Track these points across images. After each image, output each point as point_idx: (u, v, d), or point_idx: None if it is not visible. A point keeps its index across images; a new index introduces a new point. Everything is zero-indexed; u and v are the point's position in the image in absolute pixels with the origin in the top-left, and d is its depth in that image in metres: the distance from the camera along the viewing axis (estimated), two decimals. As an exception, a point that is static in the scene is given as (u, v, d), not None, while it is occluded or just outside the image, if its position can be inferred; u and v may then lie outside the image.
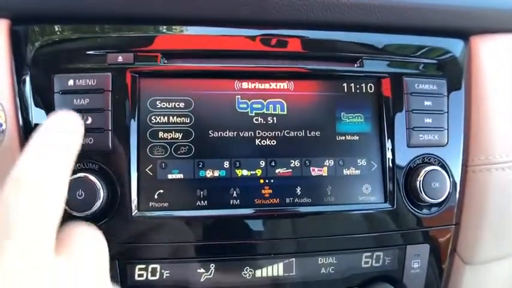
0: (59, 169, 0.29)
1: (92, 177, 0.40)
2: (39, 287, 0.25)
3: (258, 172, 0.45)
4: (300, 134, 0.47)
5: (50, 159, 0.29)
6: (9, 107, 0.42)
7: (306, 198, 0.46)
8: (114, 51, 0.44)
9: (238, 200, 0.45)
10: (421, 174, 0.47)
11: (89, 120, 0.42)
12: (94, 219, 0.41)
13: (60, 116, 0.33)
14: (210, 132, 0.45)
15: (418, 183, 0.47)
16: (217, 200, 0.44)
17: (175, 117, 0.44)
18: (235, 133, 0.45)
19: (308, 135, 0.47)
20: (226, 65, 0.46)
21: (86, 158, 0.42)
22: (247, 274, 0.46)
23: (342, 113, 0.48)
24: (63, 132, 0.32)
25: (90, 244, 0.32)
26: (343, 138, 0.47)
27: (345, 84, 0.48)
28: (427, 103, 0.49)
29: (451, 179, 0.49)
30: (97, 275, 0.31)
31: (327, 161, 0.47)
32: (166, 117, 0.44)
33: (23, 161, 0.28)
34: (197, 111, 0.45)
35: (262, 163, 0.46)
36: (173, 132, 0.44)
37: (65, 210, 0.32)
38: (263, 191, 0.45)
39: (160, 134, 0.44)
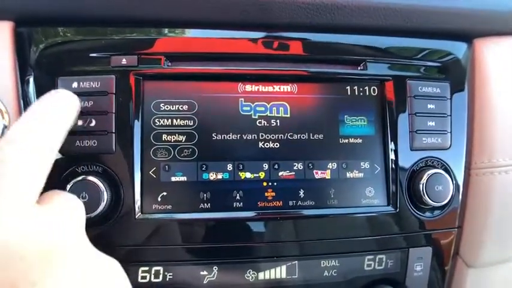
0: (49, 133, 0.32)
1: (95, 180, 0.40)
2: (22, 229, 0.27)
3: (261, 175, 0.45)
4: (303, 136, 0.47)
5: (41, 125, 0.32)
6: (13, 108, 0.42)
7: (309, 201, 0.46)
8: (118, 54, 0.44)
9: (241, 203, 0.45)
10: (424, 177, 0.47)
11: (93, 123, 0.42)
12: (98, 221, 0.41)
13: (57, 92, 0.37)
14: (213, 134, 0.45)
15: (421, 186, 0.47)
16: (220, 203, 0.44)
17: (178, 120, 0.45)
18: (238, 136, 0.45)
19: (311, 138, 0.47)
20: (230, 67, 0.46)
21: (89, 161, 0.42)
22: (250, 277, 0.46)
23: (345, 116, 0.48)
24: (57, 105, 0.35)
25: (69, 204, 0.34)
26: (347, 141, 0.47)
27: (348, 87, 0.48)
28: (431, 106, 0.49)
29: (454, 182, 0.49)
30: (76, 229, 0.32)
31: (330, 164, 0.47)
32: (169, 120, 0.44)
33: (15, 125, 0.31)
34: (201, 114, 0.45)
35: (266, 166, 0.46)
36: (177, 135, 0.44)
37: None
38: (266, 194, 0.45)
39: (164, 137, 0.44)
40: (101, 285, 0.31)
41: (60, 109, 0.35)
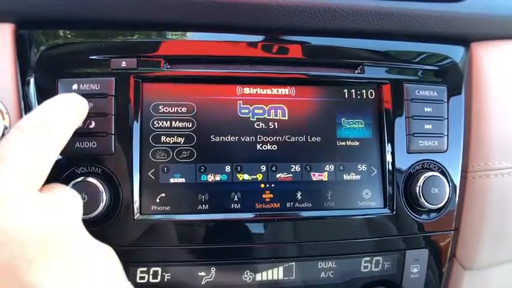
0: (57, 128, 0.34)
1: (94, 181, 0.41)
2: (22, 214, 0.28)
3: (259, 177, 0.46)
4: (300, 139, 0.47)
5: (51, 119, 0.34)
6: (14, 110, 0.42)
7: (306, 203, 0.46)
8: (118, 56, 0.44)
9: (239, 205, 0.45)
10: (420, 180, 0.47)
11: (92, 124, 0.42)
12: (97, 222, 0.41)
13: (69, 94, 0.39)
14: (211, 137, 0.45)
15: (417, 188, 0.47)
16: (218, 204, 0.45)
17: (177, 122, 0.45)
18: (236, 138, 0.46)
19: (309, 140, 0.47)
20: (229, 70, 0.46)
21: (89, 162, 0.42)
22: (248, 278, 0.46)
23: (343, 119, 0.48)
24: (69, 105, 0.37)
25: (69, 195, 0.35)
26: (344, 143, 0.48)
27: (345, 90, 0.49)
28: (427, 109, 0.50)
29: (451, 185, 0.49)
30: (73, 217, 0.34)
31: (328, 166, 0.47)
32: (168, 122, 0.45)
33: (28, 115, 0.33)
34: (199, 116, 0.45)
35: (263, 168, 0.46)
36: (175, 137, 0.45)
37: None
38: (264, 196, 0.46)
39: (163, 139, 0.45)
40: (95, 269, 0.32)
41: (70, 108, 0.37)
